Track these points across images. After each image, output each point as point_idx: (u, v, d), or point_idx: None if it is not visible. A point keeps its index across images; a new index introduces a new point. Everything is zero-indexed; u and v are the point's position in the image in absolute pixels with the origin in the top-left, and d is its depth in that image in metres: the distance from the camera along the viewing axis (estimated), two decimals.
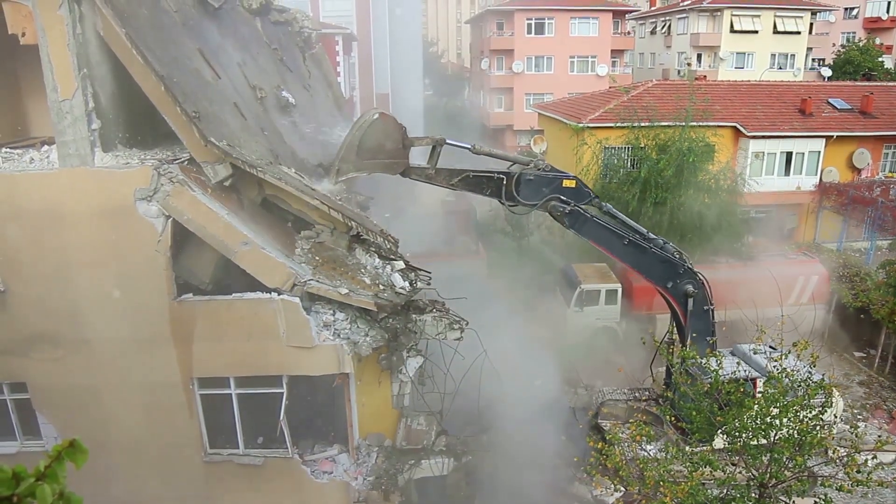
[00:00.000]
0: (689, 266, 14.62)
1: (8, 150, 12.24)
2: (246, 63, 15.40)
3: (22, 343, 12.49)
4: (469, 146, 13.11)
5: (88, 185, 11.63)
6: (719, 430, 10.79)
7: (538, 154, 31.66)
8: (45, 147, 12.23)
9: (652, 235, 14.59)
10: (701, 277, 14.69)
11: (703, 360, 11.59)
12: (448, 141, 13.15)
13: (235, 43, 15.34)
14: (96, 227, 11.80)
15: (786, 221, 31.04)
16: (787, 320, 12.80)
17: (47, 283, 12.11)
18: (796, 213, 31.29)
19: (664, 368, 16.86)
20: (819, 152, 30.98)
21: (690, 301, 14.55)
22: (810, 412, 10.28)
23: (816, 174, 31.24)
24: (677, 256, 14.53)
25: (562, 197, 13.40)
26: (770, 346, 14.34)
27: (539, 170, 13.44)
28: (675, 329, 15.65)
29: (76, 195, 11.68)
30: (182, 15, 13.26)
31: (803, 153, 31.01)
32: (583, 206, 13.62)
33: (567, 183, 13.48)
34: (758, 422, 10.31)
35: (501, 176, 13.31)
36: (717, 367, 11.00)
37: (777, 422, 10.18)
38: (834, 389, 10.75)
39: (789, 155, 30.92)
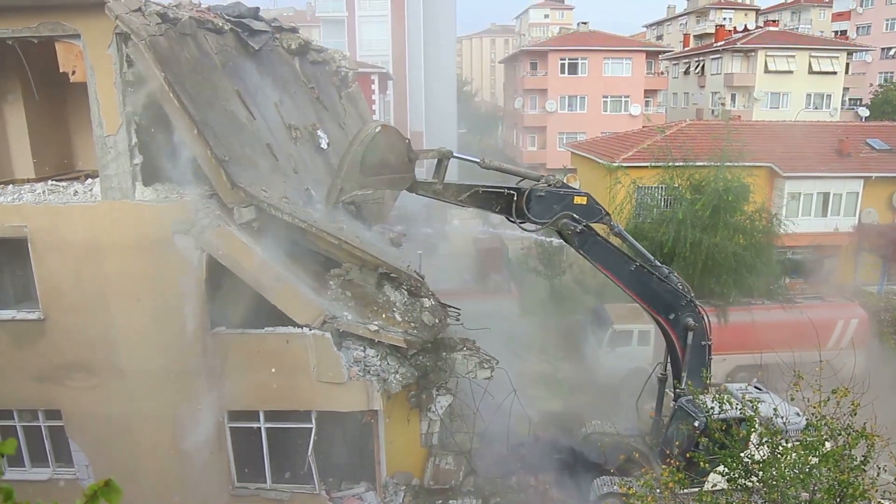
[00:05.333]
0: (691, 298, 14.27)
1: (54, 182, 12.63)
2: (283, 102, 15.74)
3: (58, 370, 12.74)
4: (478, 160, 12.73)
5: (128, 218, 11.95)
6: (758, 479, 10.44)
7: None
8: (89, 180, 12.61)
9: (657, 263, 14.23)
10: (701, 311, 14.40)
11: (749, 404, 11.21)
12: (455, 154, 12.75)
13: (274, 82, 15.71)
14: (134, 258, 12.08)
15: (823, 263, 30.41)
16: (826, 365, 12.42)
17: (85, 312, 12.39)
18: (835, 254, 30.64)
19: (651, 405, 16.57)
20: (857, 193, 30.44)
21: (690, 335, 14.19)
22: (851, 462, 9.92)
23: (855, 215, 30.64)
24: (681, 288, 14.18)
25: (574, 215, 12.95)
26: (755, 387, 14.01)
27: (550, 185, 12.98)
28: (668, 362, 15.31)
29: (116, 227, 12.00)
30: (223, 56, 13.63)
31: (841, 194, 30.48)
32: (593, 226, 13.25)
33: (578, 200, 13.02)
34: (796, 471, 9.98)
35: (512, 192, 12.78)
36: (760, 414, 10.66)
37: (816, 471, 9.84)
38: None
39: (826, 196, 30.44)
